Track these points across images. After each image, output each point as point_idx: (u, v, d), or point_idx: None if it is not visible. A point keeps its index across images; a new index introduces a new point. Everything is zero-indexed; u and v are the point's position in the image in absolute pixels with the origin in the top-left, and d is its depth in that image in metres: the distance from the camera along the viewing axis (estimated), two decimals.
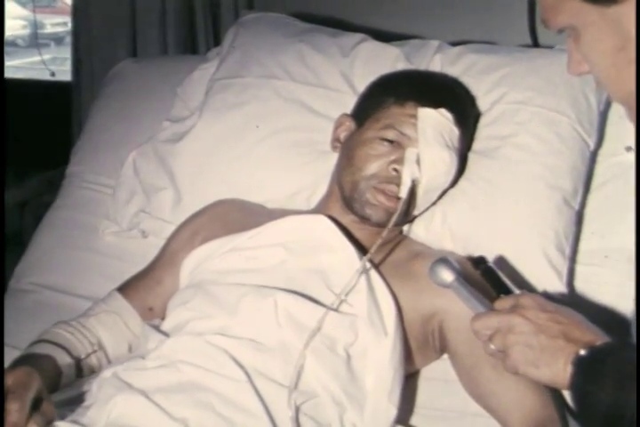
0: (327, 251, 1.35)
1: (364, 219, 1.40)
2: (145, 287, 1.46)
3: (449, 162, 1.40)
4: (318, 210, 1.47)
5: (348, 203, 1.40)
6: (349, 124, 1.48)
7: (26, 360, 1.27)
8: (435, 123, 1.39)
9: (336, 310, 1.28)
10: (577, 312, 1.06)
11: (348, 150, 1.43)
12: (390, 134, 1.39)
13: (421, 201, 1.42)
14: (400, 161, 1.37)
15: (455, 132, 1.42)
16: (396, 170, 1.37)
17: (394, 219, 1.35)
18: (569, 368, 0.99)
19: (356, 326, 1.28)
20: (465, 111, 1.48)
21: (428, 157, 1.37)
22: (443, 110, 1.40)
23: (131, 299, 1.43)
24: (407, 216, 1.43)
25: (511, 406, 1.25)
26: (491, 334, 1.05)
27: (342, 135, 1.48)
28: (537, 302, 1.06)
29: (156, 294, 1.44)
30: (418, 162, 1.37)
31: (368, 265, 1.33)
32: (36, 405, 1.12)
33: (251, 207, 1.55)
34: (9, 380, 1.10)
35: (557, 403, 1.27)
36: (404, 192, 1.36)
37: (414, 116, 1.39)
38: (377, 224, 1.39)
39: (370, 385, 1.26)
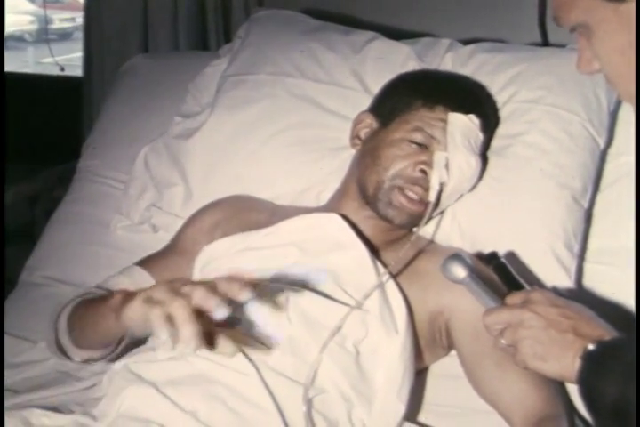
0: (339, 250, 1.35)
1: (386, 220, 1.39)
2: (167, 266, 1.43)
3: (475, 167, 1.40)
4: (331, 207, 1.47)
5: (371, 202, 1.39)
6: (371, 122, 1.47)
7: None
8: (464, 128, 1.39)
9: (360, 308, 1.28)
10: (587, 308, 1.07)
11: (372, 150, 1.42)
12: (419, 137, 1.39)
13: (443, 204, 1.42)
14: (429, 163, 1.37)
15: (480, 137, 1.42)
16: (423, 171, 1.37)
17: (423, 223, 1.35)
18: (577, 362, 0.99)
19: (367, 322, 1.28)
20: (489, 117, 1.48)
21: (457, 161, 1.37)
22: (472, 116, 1.40)
23: (153, 274, 1.41)
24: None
25: (514, 403, 1.26)
26: (502, 329, 1.06)
27: (362, 132, 1.47)
28: (547, 297, 1.07)
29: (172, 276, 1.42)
30: (446, 166, 1.37)
31: (382, 269, 1.33)
32: None
33: (263, 205, 1.55)
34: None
35: (565, 400, 1.28)
36: (432, 196, 1.36)
37: (444, 120, 1.39)
38: (398, 226, 1.39)
39: (379, 382, 1.26)
